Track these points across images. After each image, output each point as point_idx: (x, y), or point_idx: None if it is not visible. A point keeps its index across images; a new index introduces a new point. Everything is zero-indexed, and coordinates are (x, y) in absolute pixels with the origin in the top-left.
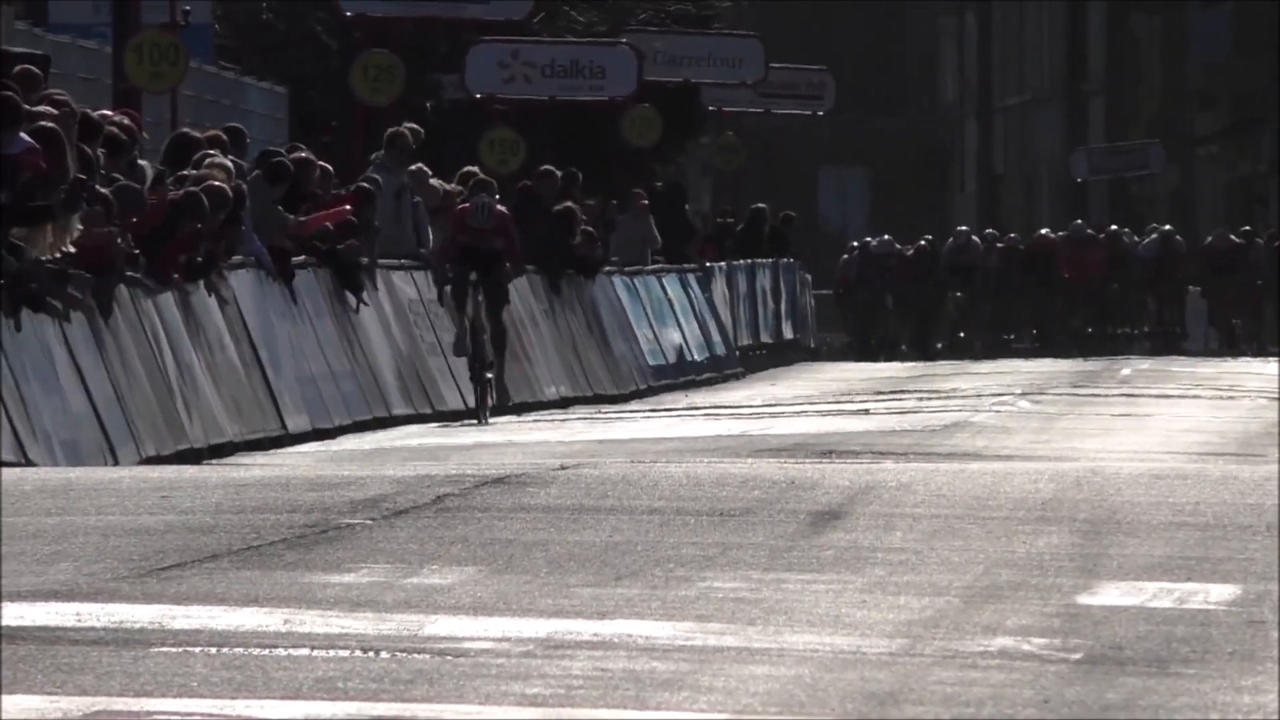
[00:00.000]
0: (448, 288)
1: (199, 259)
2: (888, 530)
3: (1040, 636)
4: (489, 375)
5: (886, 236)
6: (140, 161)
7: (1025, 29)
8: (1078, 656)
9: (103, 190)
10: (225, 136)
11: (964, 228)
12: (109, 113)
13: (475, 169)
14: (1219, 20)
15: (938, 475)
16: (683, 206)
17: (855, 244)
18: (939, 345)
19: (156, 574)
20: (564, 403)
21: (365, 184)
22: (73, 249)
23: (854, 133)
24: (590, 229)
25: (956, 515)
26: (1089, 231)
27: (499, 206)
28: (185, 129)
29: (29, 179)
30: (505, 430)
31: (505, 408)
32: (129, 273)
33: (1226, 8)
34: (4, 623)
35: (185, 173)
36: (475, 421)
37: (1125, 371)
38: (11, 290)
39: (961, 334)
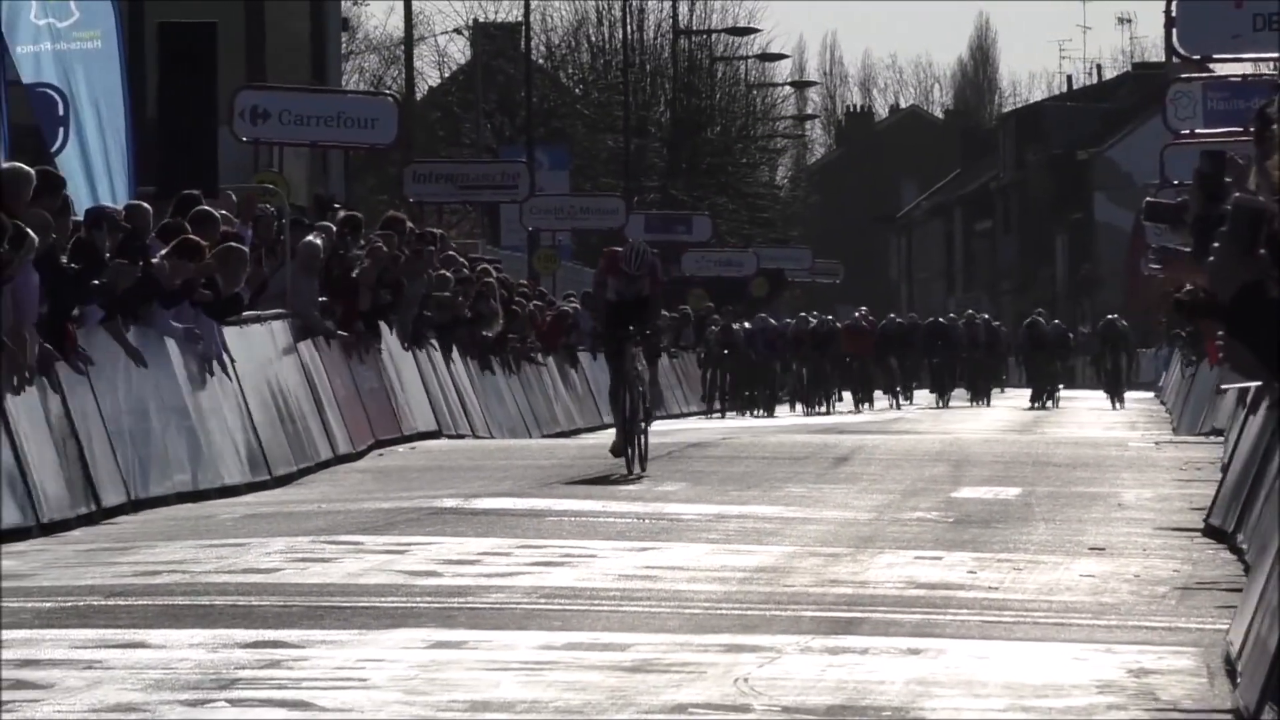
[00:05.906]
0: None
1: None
2: (867, 465)
3: (936, 511)
4: (644, 426)
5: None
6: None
7: None
8: (952, 519)
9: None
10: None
11: (892, 312)
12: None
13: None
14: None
15: (890, 440)
16: None
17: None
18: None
19: (544, 486)
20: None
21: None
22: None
23: None
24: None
25: (898, 458)
26: (864, 323)
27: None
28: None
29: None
30: (691, 423)
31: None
32: None
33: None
34: (484, 506)
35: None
36: (627, 474)
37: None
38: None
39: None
